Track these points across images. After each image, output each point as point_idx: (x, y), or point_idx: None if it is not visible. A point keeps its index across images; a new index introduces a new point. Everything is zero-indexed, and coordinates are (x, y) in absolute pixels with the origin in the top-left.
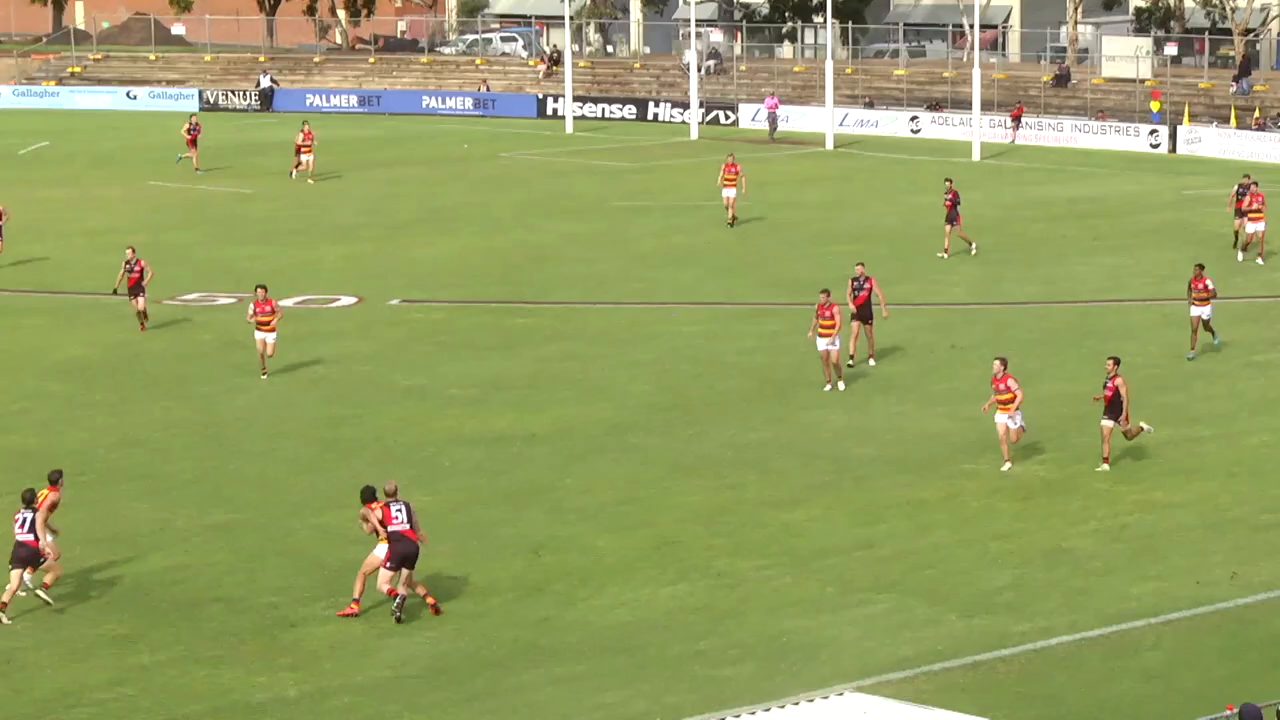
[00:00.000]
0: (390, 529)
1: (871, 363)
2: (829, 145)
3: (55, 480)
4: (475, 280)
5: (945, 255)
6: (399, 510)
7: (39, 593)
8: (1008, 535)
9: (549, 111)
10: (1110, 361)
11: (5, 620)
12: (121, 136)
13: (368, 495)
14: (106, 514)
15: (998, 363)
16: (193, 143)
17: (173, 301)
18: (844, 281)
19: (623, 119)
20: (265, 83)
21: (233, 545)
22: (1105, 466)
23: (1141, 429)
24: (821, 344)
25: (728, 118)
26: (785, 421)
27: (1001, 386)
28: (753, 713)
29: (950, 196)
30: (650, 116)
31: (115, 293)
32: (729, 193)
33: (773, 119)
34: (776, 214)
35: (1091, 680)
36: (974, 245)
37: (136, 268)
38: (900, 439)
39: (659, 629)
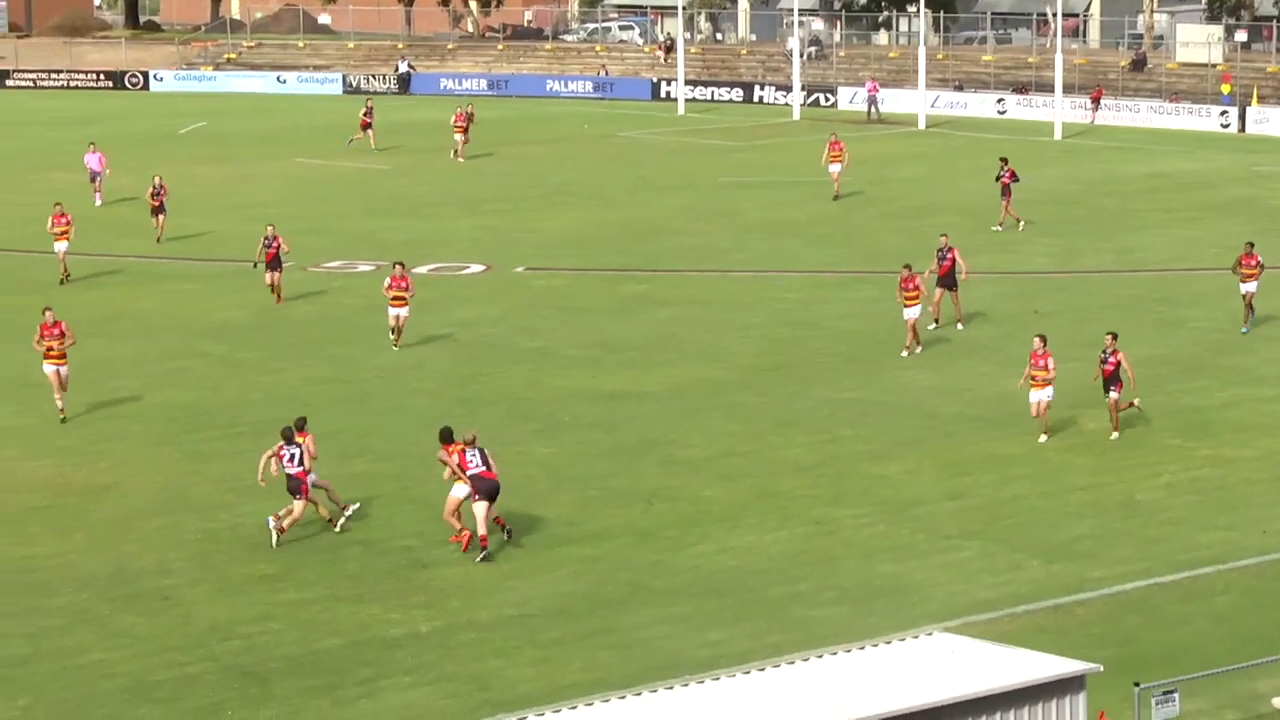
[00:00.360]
0: (468, 473)
1: (959, 326)
2: (921, 125)
3: (302, 426)
4: (594, 250)
5: (1000, 228)
6: (474, 456)
7: (341, 518)
8: (1085, 488)
9: (662, 94)
10: (1109, 337)
11: (273, 535)
12: (272, 118)
13: (445, 436)
14: (255, 464)
15: (1038, 340)
16: (367, 125)
17: (316, 269)
18: (933, 253)
19: (730, 101)
20: (403, 68)
21: (371, 492)
22: (1116, 435)
23: (1133, 404)
24: (906, 312)
25: (827, 100)
26: (878, 381)
27: (1041, 363)
28: (848, 651)
29: (1007, 174)
30: (756, 99)
31: (255, 266)
32: (834, 168)
33: (872, 101)
34: (873, 189)
35: (1164, 622)
36: (1023, 221)
37: (274, 243)
38: (984, 398)
39: (761, 573)
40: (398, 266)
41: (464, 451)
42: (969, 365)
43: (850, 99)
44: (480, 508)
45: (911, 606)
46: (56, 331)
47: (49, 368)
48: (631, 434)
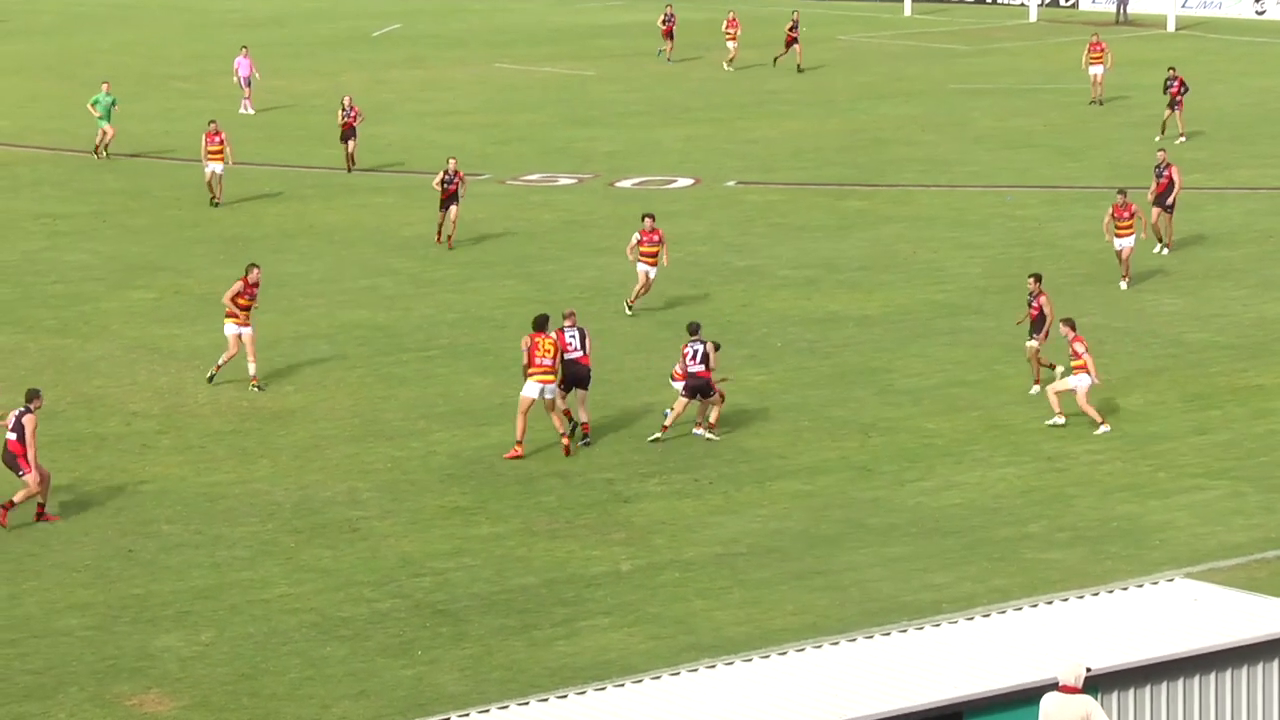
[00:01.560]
0: (566, 356)
1: (1164, 251)
2: (1170, 28)
3: (543, 326)
4: (811, 162)
5: (1160, 139)
6: (573, 336)
7: (706, 434)
8: None
9: None
10: (1031, 279)
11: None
12: (470, 19)
13: (539, 324)
14: (449, 388)
15: (1064, 326)
16: (668, 34)
17: (515, 181)
18: (1180, 163)
19: (961, 2)
20: None
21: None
22: (1036, 389)
23: (1051, 365)
24: (1119, 243)
25: (1068, 0)
26: (1118, 305)
27: (1075, 350)
28: (1080, 597)
29: (1176, 84)
30: None
31: (441, 203)
32: (1095, 70)
33: (1122, 1)
34: (1118, 97)
35: None
36: (1184, 135)
37: (455, 179)
38: (1236, 324)
39: (988, 511)
40: (647, 220)
41: (563, 332)
42: (1221, 288)
43: None
44: (575, 397)
45: (1151, 550)
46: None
47: (232, 329)
48: (849, 360)
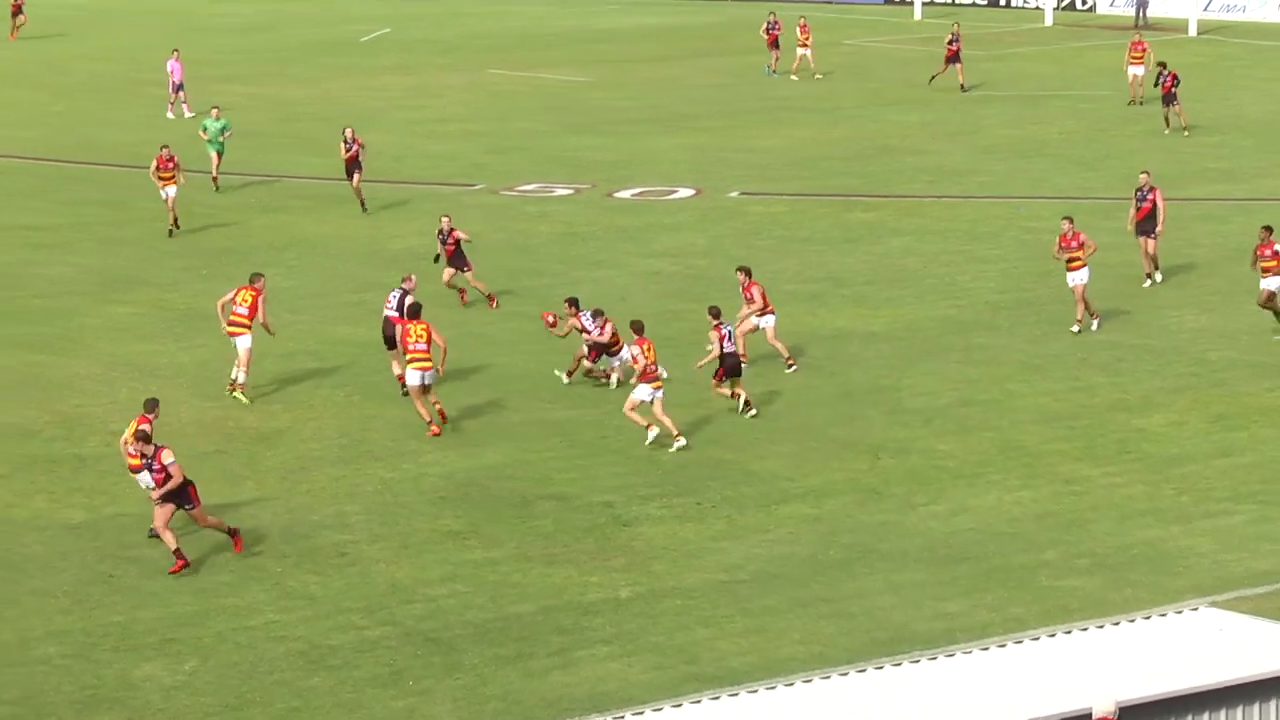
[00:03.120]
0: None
1: (1152, 283)
2: (1192, 32)
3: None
4: (816, 172)
5: (1168, 131)
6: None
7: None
8: None
9: None
10: (711, 320)
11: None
12: (464, 23)
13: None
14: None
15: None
16: (774, 43)
17: (509, 192)
18: (1203, 173)
19: (973, 4)
20: None
21: (566, 441)
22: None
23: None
24: (1070, 278)
25: (1084, 3)
26: (1138, 321)
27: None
28: (1100, 626)
29: (1169, 78)
30: (1002, 2)
31: (436, 261)
32: (1136, 70)
33: (1141, 4)
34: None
35: None
36: (1188, 129)
37: (451, 238)
38: (1263, 341)
39: (1002, 537)
40: (740, 273)
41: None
42: (1246, 304)
43: (1110, 2)
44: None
45: (1174, 577)
46: (255, 301)
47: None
48: (856, 379)
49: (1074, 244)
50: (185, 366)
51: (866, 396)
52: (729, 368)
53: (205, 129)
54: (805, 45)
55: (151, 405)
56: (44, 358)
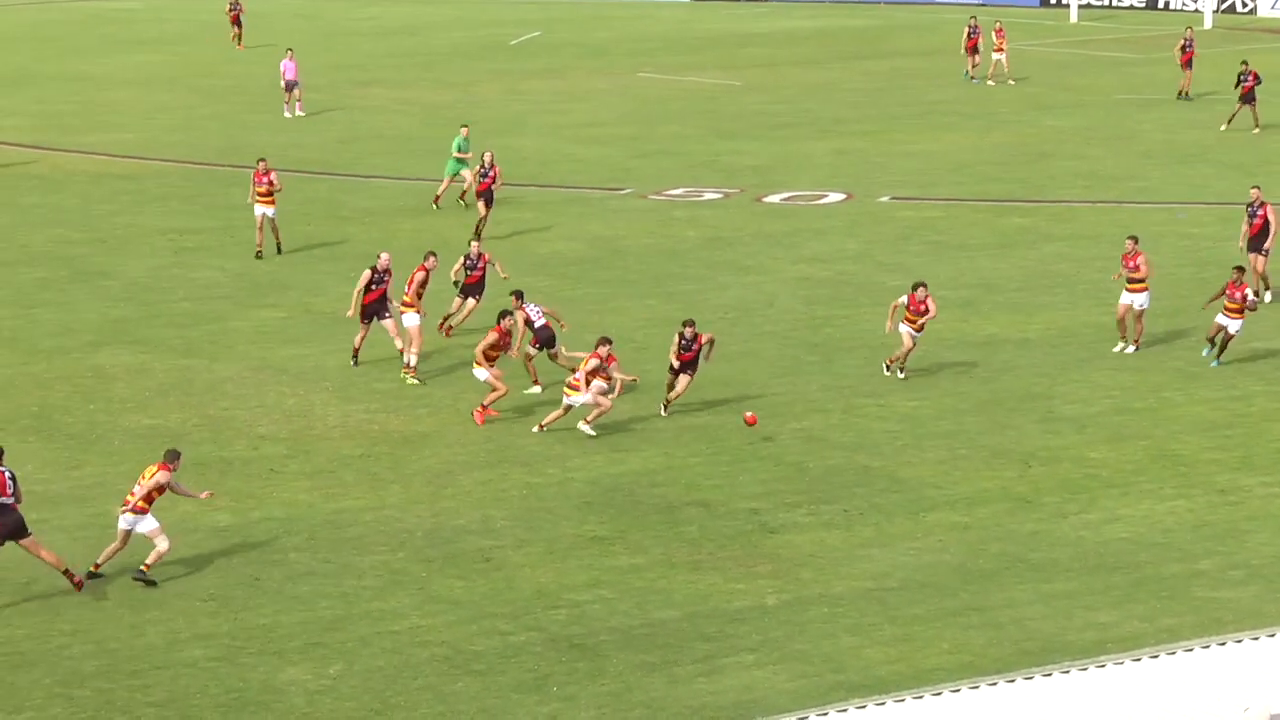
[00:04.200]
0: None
1: (1262, 300)
2: None
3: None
4: (969, 177)
5: (1257, 130)
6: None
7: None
8: None
9: (1052, 0)
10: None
11: None
12: (614, 26)
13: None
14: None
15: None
16: (973, 48)
17: (658, 196)
18: None
19: (1131, 8)
20: None
21: (712, 447)
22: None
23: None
24: (1129, 298)
25: (1245, 6)
26: None
27: None
28: (1256, 638)
29: (1250, 77)
30: (1160, 5)
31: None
32: None
33: None
34: None
35: None
36: (1258, 127)
37: (480, 263)
38: None
39: (1156, 546)
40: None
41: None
42: None
43: (1273, 4)
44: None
45: None
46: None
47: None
48: (1008, 386)
49: (1130, 264)
50: (330, 370)
51: (1018, 404)
52: (543, 339)
53: (458, 148)
54: (1000, 50)
55: (173, 456)
56: (192, 361)
